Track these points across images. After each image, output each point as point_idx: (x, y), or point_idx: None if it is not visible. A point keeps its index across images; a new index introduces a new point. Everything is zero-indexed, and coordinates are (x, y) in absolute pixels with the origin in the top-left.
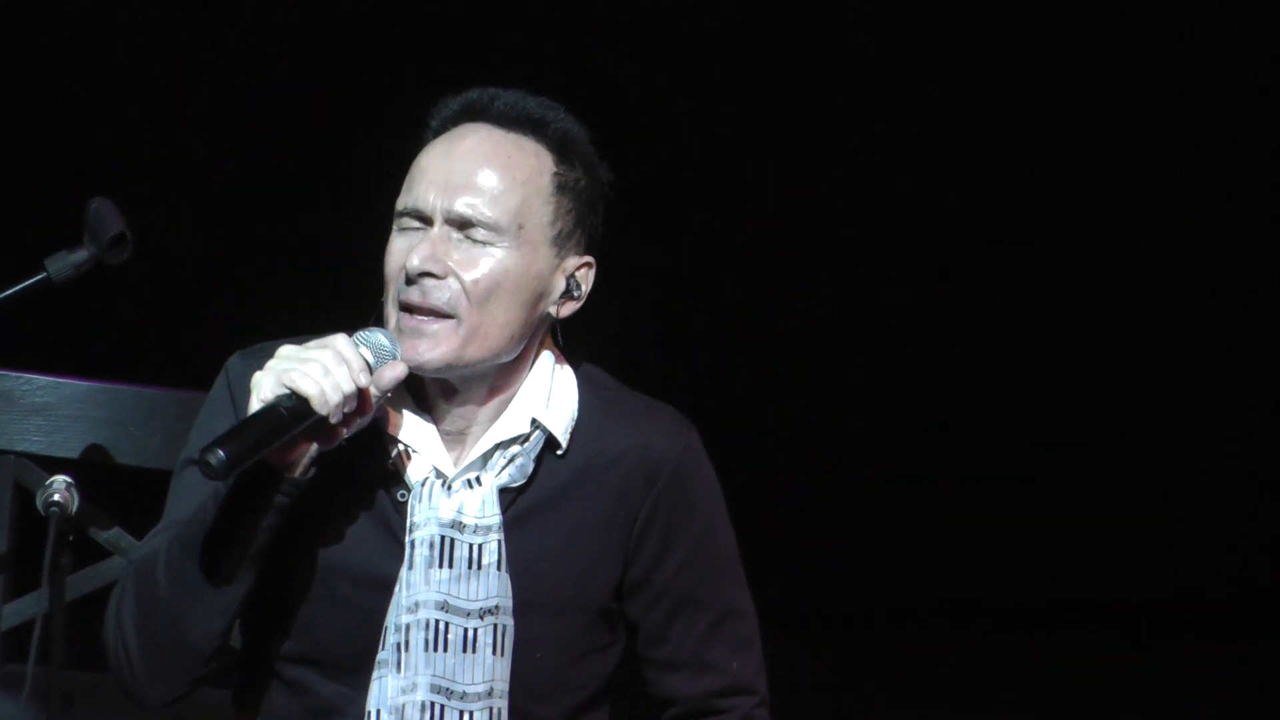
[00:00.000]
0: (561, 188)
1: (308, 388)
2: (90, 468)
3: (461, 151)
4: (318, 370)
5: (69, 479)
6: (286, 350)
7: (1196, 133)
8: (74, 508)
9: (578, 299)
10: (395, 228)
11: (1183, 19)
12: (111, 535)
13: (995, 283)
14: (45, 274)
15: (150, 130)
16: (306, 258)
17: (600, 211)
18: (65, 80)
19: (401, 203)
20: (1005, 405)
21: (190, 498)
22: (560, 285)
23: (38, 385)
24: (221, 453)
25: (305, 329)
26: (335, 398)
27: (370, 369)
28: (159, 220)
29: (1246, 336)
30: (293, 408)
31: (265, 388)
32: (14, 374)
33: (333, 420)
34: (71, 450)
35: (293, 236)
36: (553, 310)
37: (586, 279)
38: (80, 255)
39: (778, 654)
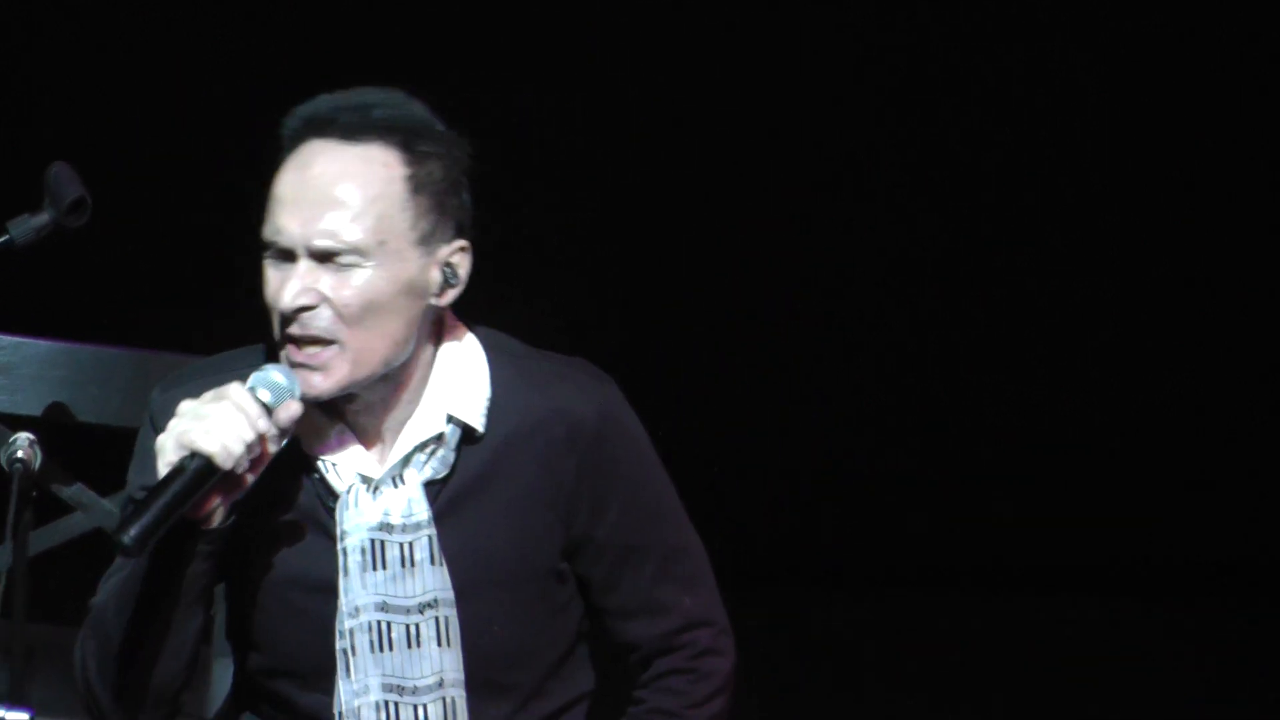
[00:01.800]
0: (417, 189)
1: (209, 446)
2: (51, 426)
3: (311, 179)
4: (216, 426)
5: (31, 436)
6: (185, 407)
7: (1191, 125)
8: (37, 464)
9: (456, 285)
10: (265, 255)
11: (1182, 18)
12: (73, 491)
13: (963, 230)
14: (8, 236)
15: (109, 90)
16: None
17: (464, 191)
18: (26, 42)
19: (266, 233)
20: (982, 365)
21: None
22: (437, 278)
23: None
24: (132, 532)
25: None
26: (238, 450)
27: (269, 410)
28: (118, 182)
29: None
30: (198, 468)
31: (169, 450)
32: None
33: (238, 471)
34: (33, 408)
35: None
36: (434, 302)
37: (463, 263)
38: (41, 219)
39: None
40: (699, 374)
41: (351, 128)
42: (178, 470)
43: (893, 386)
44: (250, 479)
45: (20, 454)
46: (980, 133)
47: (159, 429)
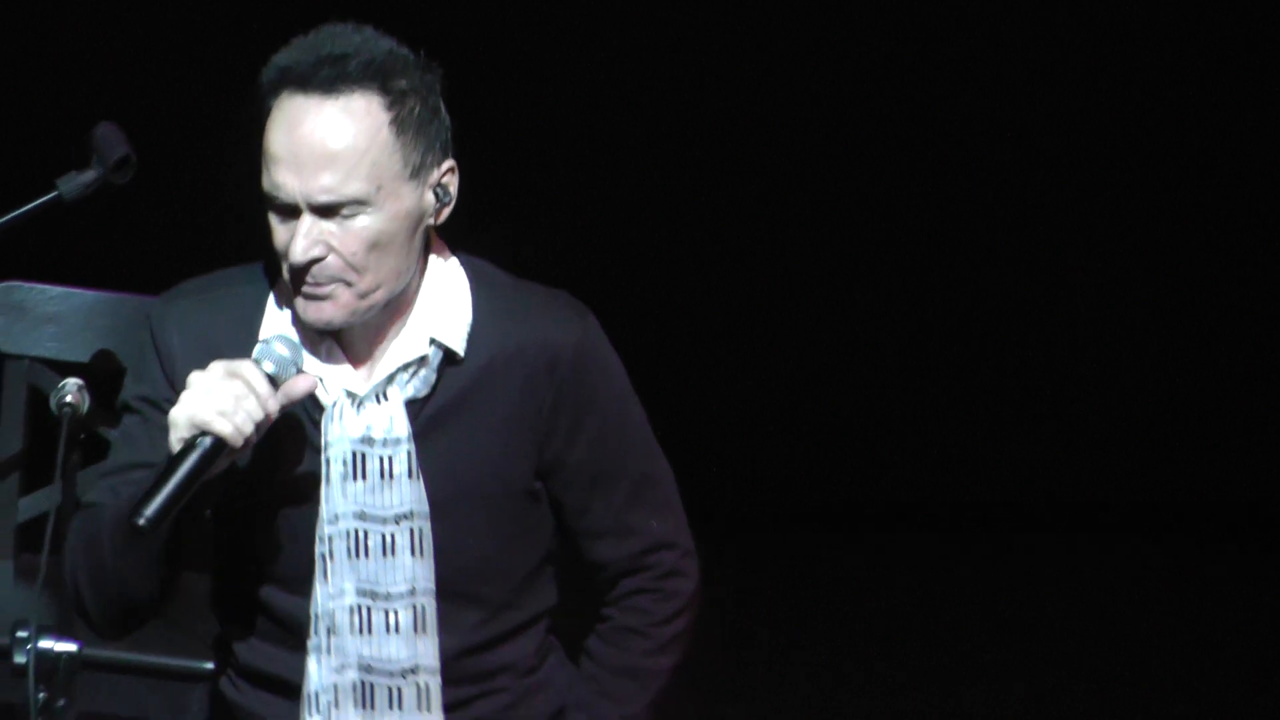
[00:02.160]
0: (402, 128)
1: (221, 428)
2: (98, 372)
3: (302, 138)
4: (228, 406)
5: (80, 381)
6: (196, 380)
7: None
8: (84, 408)
9: (449, 203)
10: (269, 206)
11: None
12: None
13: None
14: (57, 193)
15: (150, 47)
16: None
17: (442, 112)
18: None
19: (266, 186)
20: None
21: (129, 443)
22: (431, 201)
23: (50, 296)
24: (147, 513)
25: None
26: (249, 430)
27: (276, 382)
28: (159, 139)
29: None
30: (210, 446)
31: (181, 428)
32: (28, 285)
33: (249, 443)
34: (81, 355)
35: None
36: (430, 223)
37: (452, 182)
38: (89, 176)
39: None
40: (671, 314)
41: (331, 81)
42: (189, 446)
43: (853, 331)
44: (255, 439)
45: (69, 398)
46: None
47: (157, 340)
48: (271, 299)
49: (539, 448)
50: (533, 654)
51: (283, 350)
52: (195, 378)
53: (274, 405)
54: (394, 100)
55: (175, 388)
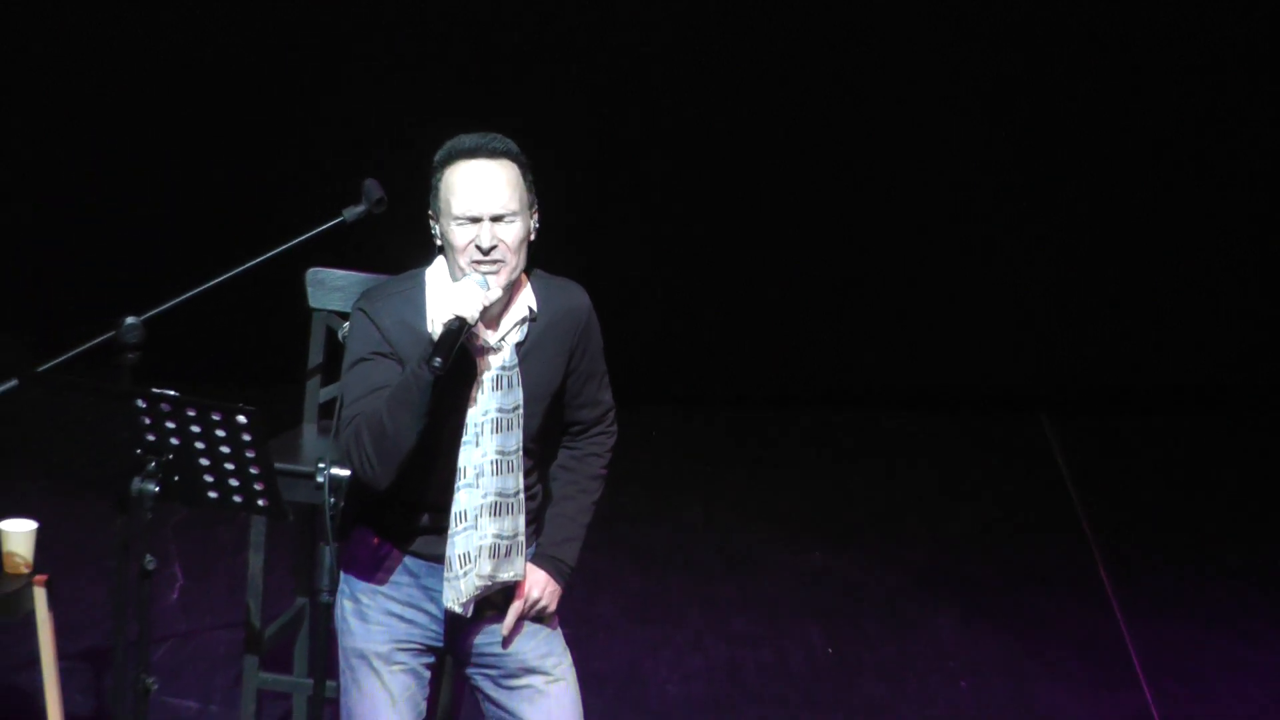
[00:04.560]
0: (524, 179)
1: (465, 312)
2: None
3: (486, 179)
4: (465, 302)
5: (348, 325)
6: (441, 300)
7: None
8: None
9: (536, 230)
10: (453, 223)
11: None
12: None
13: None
14: (342, 218)
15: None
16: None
17: (532, 186)
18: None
19: (458, 209)
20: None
21: (366, 381)
22: (534, 226)
23: (336, 275)
24: (436, 363)
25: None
26: (476, 313)
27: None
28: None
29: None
30: (459, 324)
31: (438, 323)
32: (326, 269)
33: (473, 327)
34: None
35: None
36: (531, 238)
37: (536, 219)
38: (360, 208)
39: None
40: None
41: (492, 152)
42: (448, 329)
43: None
44: (477, 333)
45: (342, 334)
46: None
47: (373, 320)
48: (428, 291)
49: (567, 366)
50: (544, 480)
51: (479, 279)
52: (439, 299)
53: (479, 308)
54: (519, 165)
55: (390, 344)
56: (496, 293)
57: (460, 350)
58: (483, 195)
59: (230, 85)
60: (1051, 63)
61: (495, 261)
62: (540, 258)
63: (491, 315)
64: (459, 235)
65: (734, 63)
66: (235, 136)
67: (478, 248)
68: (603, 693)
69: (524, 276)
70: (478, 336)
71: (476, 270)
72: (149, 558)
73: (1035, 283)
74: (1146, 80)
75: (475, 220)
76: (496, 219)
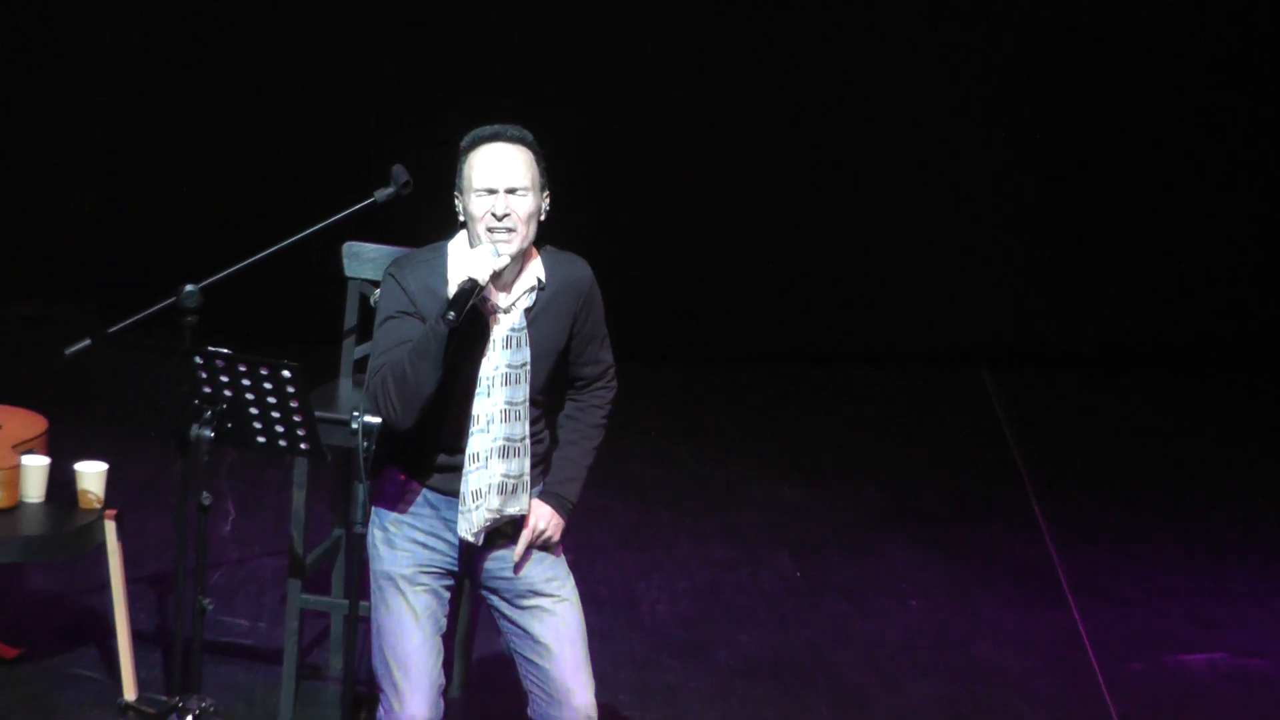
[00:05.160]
0: (538, 163)
1: (477, 275)
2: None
3: (503, 158)
4: (478, 266)
5: (379, 291)
6: (460, 263)
7: None
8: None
9: (547, 211)
10: (473, 195)
11: None
12: None
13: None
14: (374, 199)
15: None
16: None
17: (545, 172)
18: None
19: (478, 183)
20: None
21: (393, 336)
22: (544, 205)
23: (368, 248)
24: (450, 316)
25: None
26: (488, 276)
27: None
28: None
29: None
30: (472, 284)
31: (456, 277)
32: (360, 243)
33: (484, 289)
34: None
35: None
36: (542, 219)
37: (547, 200)
38: (389, 190)
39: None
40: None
41: (509, 137)
42: (462, 289)
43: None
44: (489, 295)
45: (374, 299)
46: None
47: (401, 284)
48: (449, 259)
49: (570, 329)
50: (550, 427)
51: (491, 248)
52: (458, 261)
53: (494, 266)
54: (534, 153)
55: (415, 304)
56: (505, 260)
57: (474, 311)
58: (500, 170)
59: (274, 84)
60: (997, 31)
61: (508, 230)
62: (547, 235)
63: (504, 282)
64: (478, 205)
65: (700, 41)
66: (279, 128)
67: (493, 215)
68: (601, 612)
69: (534, 250)
70: (490, 300)
71: (491, 237)
72: (205, 495)
73: (976, 251)
74: (1088, 45)
75: (492, 192)
76: (510, 191)
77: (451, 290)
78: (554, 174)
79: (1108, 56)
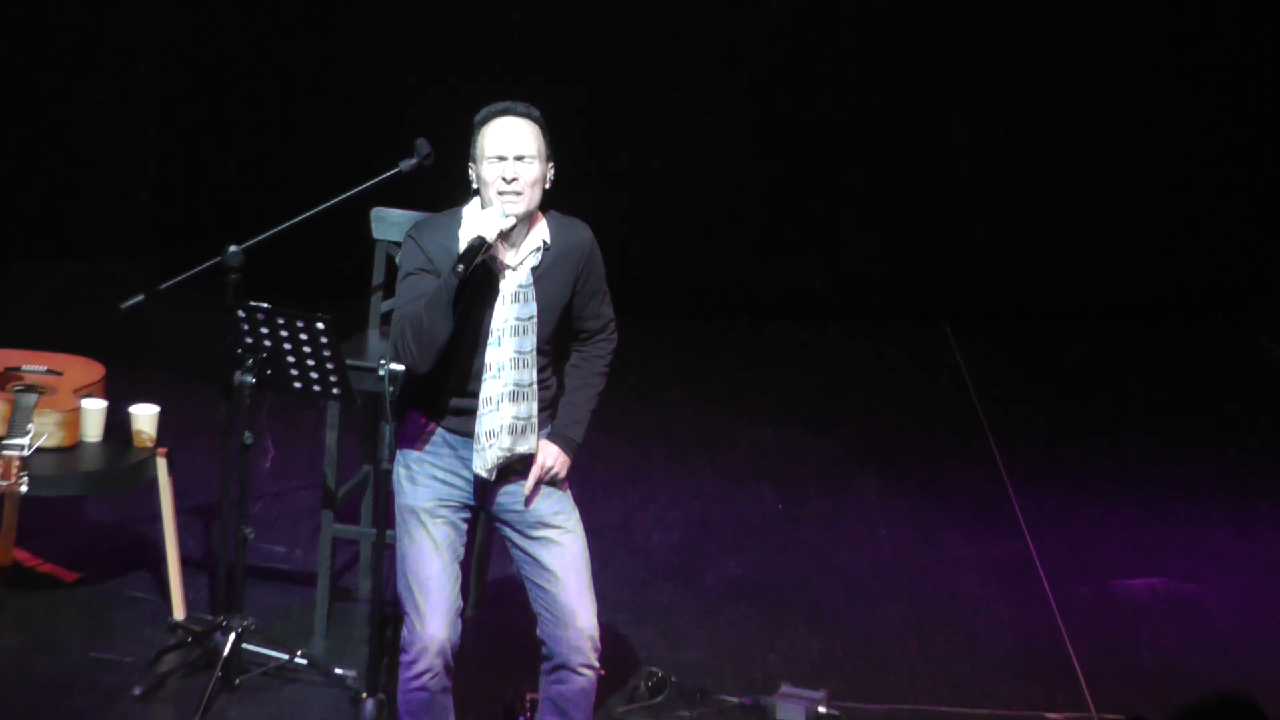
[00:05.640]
0: (543, 135)
1: (484, 232)
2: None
3: (513, 129)
4: (486, 225)
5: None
6: (470, 221)
7: None
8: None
9: (552, 180)
10: (485, 162)
11: None
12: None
13: None
14: (399, 169)
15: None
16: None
17: (550, 145)
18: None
19: (490, 151)
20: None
21: (412, 290)
22: (550, 174)
23: (394, 213)
24: (461, 269)
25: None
26: (495, 234)
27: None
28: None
29: None
30: (481, 242)
31: (463, 240)
32: (386, 209)
33: (491, 245)
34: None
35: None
36: (546, 186)
37: (551, 170)
38: (412, 161)
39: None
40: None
41: (518, 112)
42: (471, 245)
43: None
44: (493, 251)
45: (399, 258)
46: None
47: (420, 244)
48: (463, 222)
49: (574, 286)
50: (557, 374)
51: (500, 209)
52: (470, 219)
53: (501, 225)
54: (540, 127)
55: (432, 263)
56: (512, 220)
57: (483, 267)
58: (509, 139)
59: (308, 64)
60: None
61: (515, 193)
62: (551, 200)
63: (512, 242)
64: (489, 171)
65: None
66: (314, 105)
67: (503, 178)
68: (602, 539)
69: (540, 214)
70: (499, 257)
71: (501, 200)
72: (247, 434)
73: (940, 216)
74: (1050, 11)
75: (502, 159)
76: (519, 158)
77: (462, 247)
78: (559, 146)
79: (1074, 14)
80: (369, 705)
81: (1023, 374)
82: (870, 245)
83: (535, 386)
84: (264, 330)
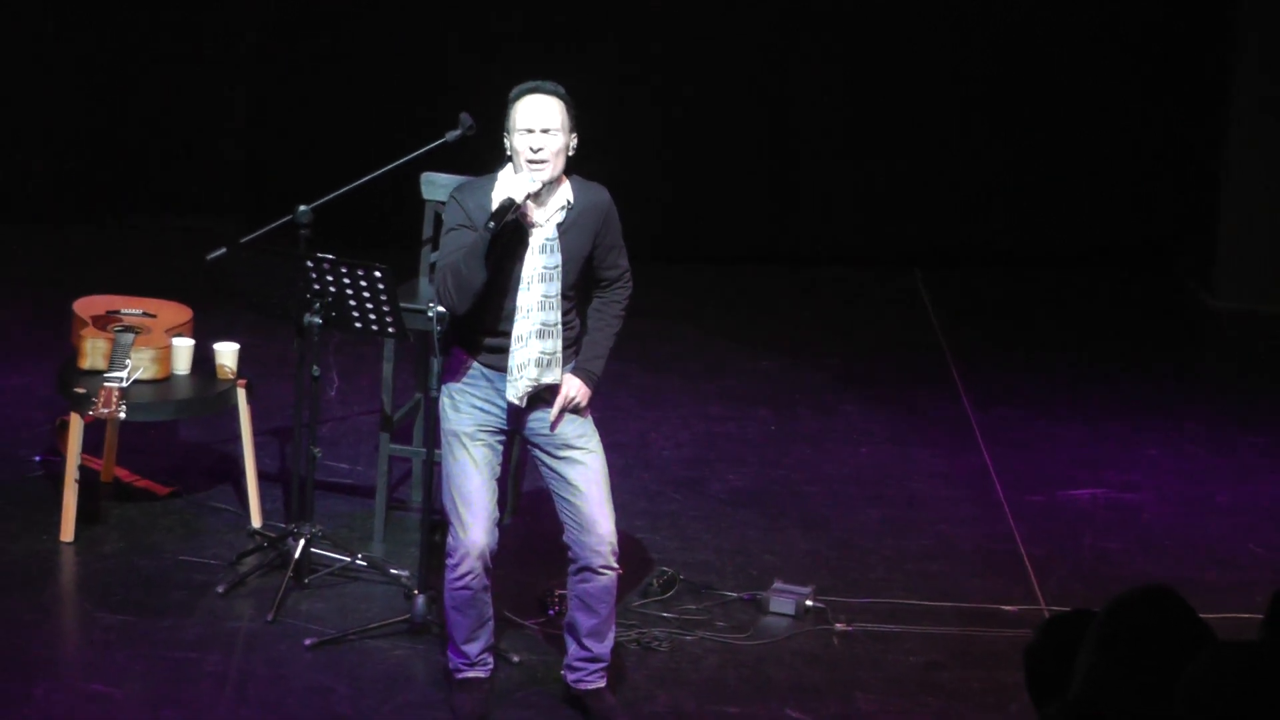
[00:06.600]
0: (569, 111)
1: (514, 195)
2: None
3: (540, 105)
4: (516, 188)
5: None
6: (503, 183)
7: None
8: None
9: (575, 148)
10: (516, 134)
11: None
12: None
13: None
14: (444, 139)
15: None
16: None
17: (574, 118)
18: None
19: (520, 124)
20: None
21: (454, 243)
22: (573, 143)
23: (440, 177)
24: (492, 225)
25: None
26: (522, 197)
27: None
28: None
29: None
30: (510, 203)
31: (500, 196)
32: (434, 174)
33: (520, 205)
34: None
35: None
36: (570, 154)
37: (575, 139)
38: (457, 133)
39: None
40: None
41: (546, 90)
42: (501, 205)
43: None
44: (523, 209)
45: (443, 214)
46: None
47: (461, 203)
48: (497, 186)
49: (594, 240)
50: (580, 316)
51: (527, 174)
52: (502, 182)
53: (528, 189)
54: (566, 103)
55: (470, 219)
56: (537, 185)
57: (514, 223)
58: (537, 114)
59: (369, 48)
60: None
61: (541, 161)
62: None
63: (540, 201)
64: (519, 141)
65: None
66: (374, 82)
67: (530, 149)
68: (622, 454)
69: (564, 178)
70: (528, 215)
71: (530, 167)
72: (316, 367)
73: (912, 169)
74: None
75: (530, 131)
76: (545, 131)
77: (494, 206)
78: (583, 118)
79: None
80: (420, 600)
81: (982, 313)
82: (853, 197)
83: (560, 326)
84: (329, 278)
